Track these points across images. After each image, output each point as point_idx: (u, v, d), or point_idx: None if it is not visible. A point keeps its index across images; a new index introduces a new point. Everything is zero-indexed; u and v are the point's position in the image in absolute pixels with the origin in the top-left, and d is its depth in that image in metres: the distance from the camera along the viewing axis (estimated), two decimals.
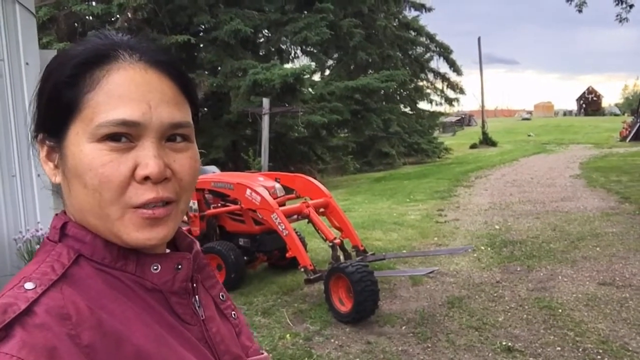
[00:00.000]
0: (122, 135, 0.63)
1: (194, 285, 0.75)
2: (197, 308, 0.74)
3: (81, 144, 0.64)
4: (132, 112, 0.63)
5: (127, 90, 0.64)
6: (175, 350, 0.66)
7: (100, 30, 0.71)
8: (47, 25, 13.31)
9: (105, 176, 0.63)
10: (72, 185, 0.66)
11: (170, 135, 0.67)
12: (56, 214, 0.71)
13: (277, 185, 5.64)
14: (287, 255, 5.01)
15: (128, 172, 0.63)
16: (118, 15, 14.50)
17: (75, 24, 14.82)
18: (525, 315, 4.46)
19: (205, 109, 16.28)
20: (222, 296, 0.83)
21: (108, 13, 13.81)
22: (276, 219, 4.94)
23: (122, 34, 0.70)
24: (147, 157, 0.64)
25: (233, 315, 0.83)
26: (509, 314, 4.53)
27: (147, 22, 14.51)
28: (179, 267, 0.71)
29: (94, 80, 0.64)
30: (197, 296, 0.75)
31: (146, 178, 0.64)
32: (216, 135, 14.64)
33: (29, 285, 0.60)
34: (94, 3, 14.85)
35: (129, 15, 13.88)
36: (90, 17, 14.68)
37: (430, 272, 5.03)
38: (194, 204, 5.74)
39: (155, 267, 0.70)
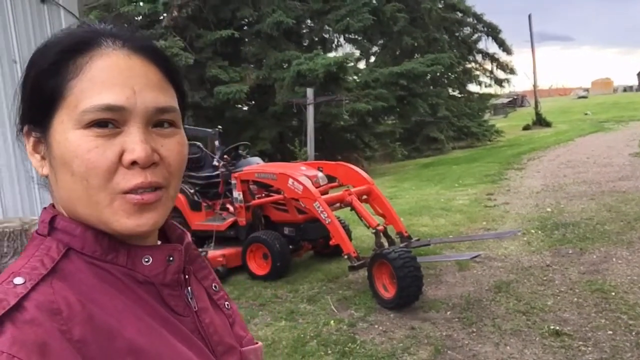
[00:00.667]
0: (108, 121, 0.63)
1: (186, 276, 0.75)
2: (189, 300, 0.73)
3: (67, 132, 0.63)
4: (116, 96, 0.63)
5: (111, 76, 0.64)
6: (168, 343, 0.66)
7: (82, 20, 0.73)
8: None
9: (92, 162, 0.62)
10: (60, 174, 0.65)
11: (156, 121, 0.67)
12: (44, 208, 0.71)
13: (320, 174, 5.68)
14: (331, 243, 5.05)
15: (115, 158, 0.63)
16: (165, 14, 14.85)
17: (125, 25, 15.25)
18: (575, 299, 4.34)
19: (252, 101, 16.49)
20: (215, 287, 0.82)
21: (154, 12, 14.17)
22: (318, 207, 4.98)
23: (105, 23, 0.71)
24: (133, 142, 0.63)
25: (226, 306, 0.82)
26: (559, 297, 4.41)
27: (192, 19, 14.79)
28: (171, 259, 0.71)
29: (77, 67, 0.64)
30: (189, 287, 0.75)
31: (134, 163, 0.63)
32: (262, 127, 14.81)
33: (18, 280, 0.59)
34: (141, 3, 15.24)
35: (174, 13, 14.20)
36: (139, 18, 15.09)
37: (475, 257, 4.96)
38: (239, 195, 5.87)
39: (146, 260, 0.69)
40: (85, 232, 0.66)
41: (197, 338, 0.72)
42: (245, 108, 16.67)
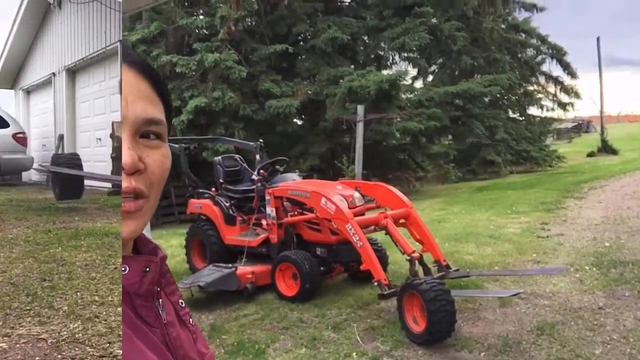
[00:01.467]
0: None
1: (158, 289, 0.77)
2: (159, 312, 0.76)
3: None
4: None
5: None
6: (140, 350, 0.67)
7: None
8: (157, 38, 14.11)
9: None
10: None
11: (144, 132, 0.70)
12: None
13: (356, 195, 5.44)
14: (362, 267, 4.80)
15: None
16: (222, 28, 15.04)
17: (184, 37, 15.55)
18: (628, 350, 3.87)
19: (304, 116, 16.42)
20: (181, 303, 0.84)
21: (212, 25, 14.39)
22: (350, 229, 4.75)
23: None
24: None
25: (191, 322, 0.85)
26: (609, 346, 3.96)
27: (248, 32, 14.93)
28: (147, 269, 0.73)
29: None
30: (160, 300, 0.77)
31: None
32: (312, 142, 14.68)
33: None
34: (201, 17, 15.52)
35: (232, 27, 14.35)
36: (197, 31, 15.36)
37: (515, 295, 4.56)
38: (272, 211, 5.70)
39: (123, 269, 0.71)
40: None
41: (165, 349, 0.74)
42: (300, 122, 16.60)
